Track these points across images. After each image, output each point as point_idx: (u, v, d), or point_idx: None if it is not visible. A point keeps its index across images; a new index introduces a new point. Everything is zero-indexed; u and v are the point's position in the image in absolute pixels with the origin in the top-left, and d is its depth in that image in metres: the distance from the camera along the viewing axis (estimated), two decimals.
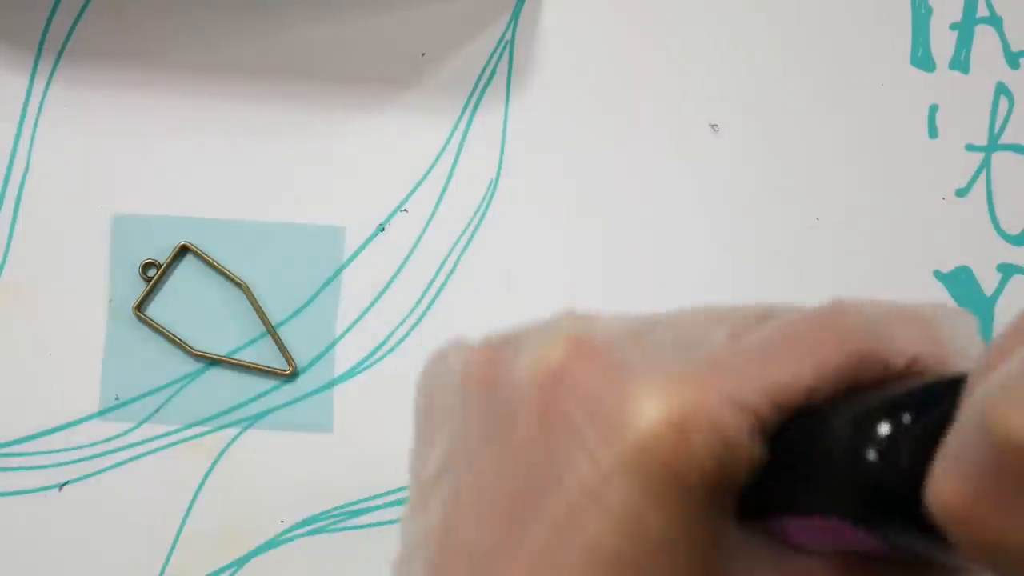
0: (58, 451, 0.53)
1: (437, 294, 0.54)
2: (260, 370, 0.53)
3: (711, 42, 0.55)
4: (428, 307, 0.54)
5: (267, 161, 0.54)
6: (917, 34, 0.56)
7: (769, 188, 0.55)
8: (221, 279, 0.54)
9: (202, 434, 0.53)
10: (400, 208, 0.54)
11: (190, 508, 0.53)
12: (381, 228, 0.54)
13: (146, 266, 0.54)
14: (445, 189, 0.54)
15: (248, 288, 0.53)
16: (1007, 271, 0.55)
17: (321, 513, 0.53)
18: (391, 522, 0.53)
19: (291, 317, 0.54)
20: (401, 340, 0.54)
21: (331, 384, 0.54)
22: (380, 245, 0.54)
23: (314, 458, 0.53)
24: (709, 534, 0.22)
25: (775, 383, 0.22)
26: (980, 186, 0.55)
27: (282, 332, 0.54)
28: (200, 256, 0.54)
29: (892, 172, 0.55)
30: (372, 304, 0.54)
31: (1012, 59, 0.56)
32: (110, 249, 0.54)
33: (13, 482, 0.53)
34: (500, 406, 0.24)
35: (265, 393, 0.53)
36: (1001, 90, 0.55)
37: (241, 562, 0.53)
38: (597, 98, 0.55)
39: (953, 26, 0.56)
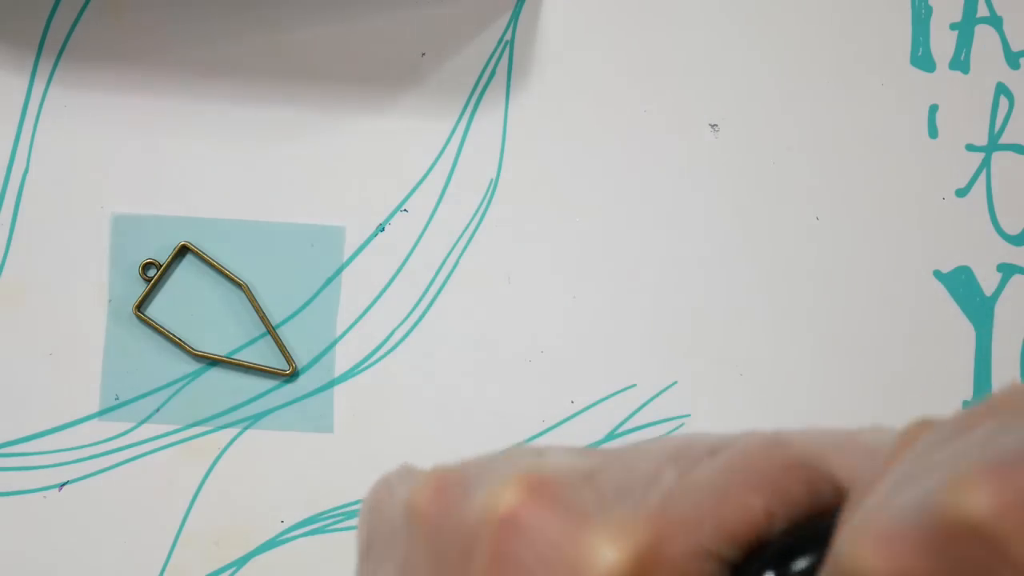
0: (58, 451, 0.53)
1: (437, 294, 0.54)
2: (260, 370, 0.53)
3: (711, 42, 0.55)
4: (428, 307, 0.54)
5: (267, 161, 0.54)
6: (917, 34, 0.56)
7: (769, 188, 0.55)
8: (221, 279, 0.54)
9: (202, 434, 0.53)
10: (400, 208, 0.54)
11: (190, 508, 0.53)
12: (381, 228, 0.54)
13: (146, 266, 0.54)
14: (445, 189, 0.54)
15: (248, 288, 0.53)
16: (1007, 271, 0.55)
17: (321, 513, 0.53)
18: None
19: (291, 317, 0.54)
20: (401, 340, 0.54)
21: (331, 384, 0.53)
22: (380, 245, 0.54)
23: (314, 458, 0.53)
24: None
25: (730, 519, 0.22)
26: (980, 186, 0.55)
27: (282, 332, 0.54)
28: (200, 256, 0.54)
29: (892, 172, 0.55)
30: (372, 304, 0.54)
31: (1012, 59, 0.56)
32: (110, 249, 0.54)
33: (13, 482, 0.53)
34: (449, 546, 0.24)
35: (265, 393, 0.53)
36: (1001, 90, 0.55)
37: (241, 562, 0.53)
38: (597, 98, 0.55)
39: (953, 26, 0.56)
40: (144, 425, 0.53)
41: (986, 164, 0.55)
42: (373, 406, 0.53)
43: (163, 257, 0.54)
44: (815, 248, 0.55)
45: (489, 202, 0.55)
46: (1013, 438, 0.17)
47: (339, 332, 0.54)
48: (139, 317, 0.53)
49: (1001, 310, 0.55)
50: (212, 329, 0.54)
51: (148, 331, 0.53)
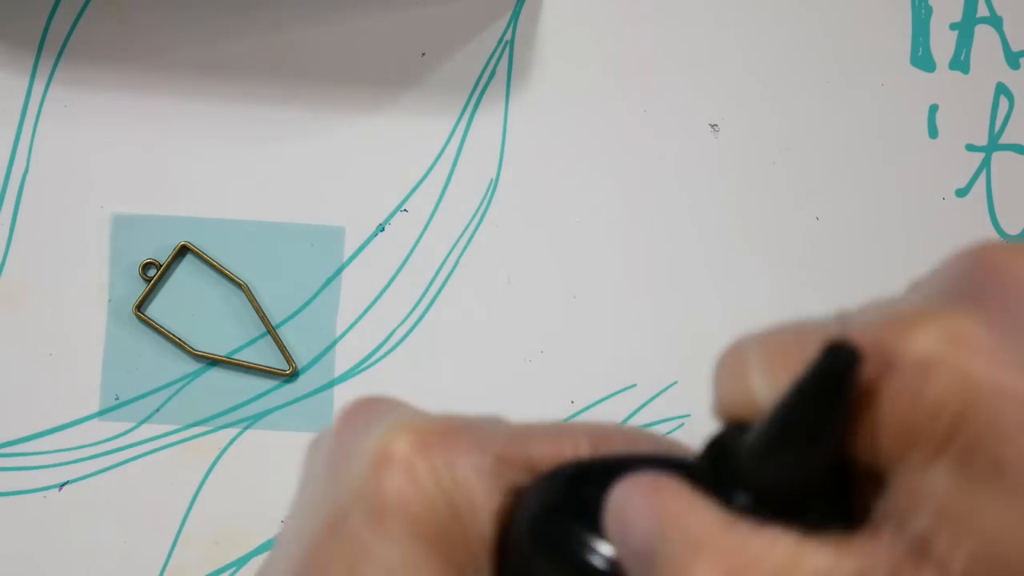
0: (58, 451, 0.53)
1: (437, 294, 0.54)
2: (260, 370, 0.53)
3: (711, 42, 0.55)
4: (428, 307, 0.54)
5: (267, 161, 0.54)
6: (917, 34, 0.56)
7: (769, 188, 0.55)
8: (221, 279, 0.54)
9: (202, 434, 0.53)
10: (400, 208, 0.54)
11: (190, 508, 0.53)
12: (381, 228, 0.54)
13: (146, 266, 0.54)
14: (445, 189, 0.54)
15: (248, 288, 0.53)
16: None
17: None
18: None
19: (291, 317, 0.54)
20: (401, 340, 0.54)
21: (331, 384, 0.53)
22: (380, 245, 0.54)
23: None
24: None
25: (521, 451, 0.25)
26: (980, 186, 0.55)
27: (282, 332, 0.54)
28: (200, 256, 0.54)
29: (892, 172, 0.55)
30: (372, 304, 0.54)
31: (1012, 59, 0.56)
32: (110, 249, 0.54)
33: (13, 482, 0.53)
34: (338, 465, 0.26)
35: (265, 393, 0.53)
36: (1001, 90, 0.55)
37: (241, 562, 0.53)
38: (597, 98, 0.55)
39: (953, 26, 0.56)
40: (144, 425, 0.53)
41: (986, 164, 0.55)
42: None
43: (163, 257, 0.54)
44: (815, 248, 0.55)
45: (489, 202, 0.55)
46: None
47: (339, 332, 0.54)
48: (139, 317, 0.53)
49: None
50: (212, 329, 0.54)
51: (148, 331, 0.53)
